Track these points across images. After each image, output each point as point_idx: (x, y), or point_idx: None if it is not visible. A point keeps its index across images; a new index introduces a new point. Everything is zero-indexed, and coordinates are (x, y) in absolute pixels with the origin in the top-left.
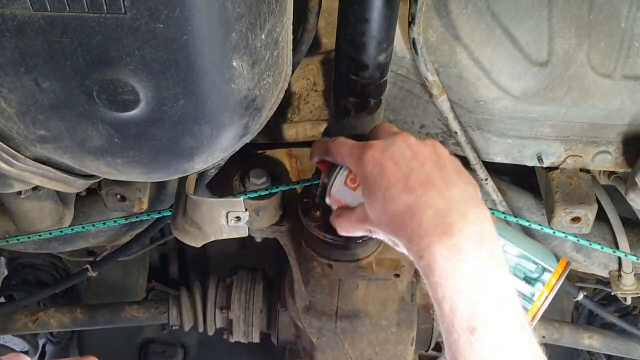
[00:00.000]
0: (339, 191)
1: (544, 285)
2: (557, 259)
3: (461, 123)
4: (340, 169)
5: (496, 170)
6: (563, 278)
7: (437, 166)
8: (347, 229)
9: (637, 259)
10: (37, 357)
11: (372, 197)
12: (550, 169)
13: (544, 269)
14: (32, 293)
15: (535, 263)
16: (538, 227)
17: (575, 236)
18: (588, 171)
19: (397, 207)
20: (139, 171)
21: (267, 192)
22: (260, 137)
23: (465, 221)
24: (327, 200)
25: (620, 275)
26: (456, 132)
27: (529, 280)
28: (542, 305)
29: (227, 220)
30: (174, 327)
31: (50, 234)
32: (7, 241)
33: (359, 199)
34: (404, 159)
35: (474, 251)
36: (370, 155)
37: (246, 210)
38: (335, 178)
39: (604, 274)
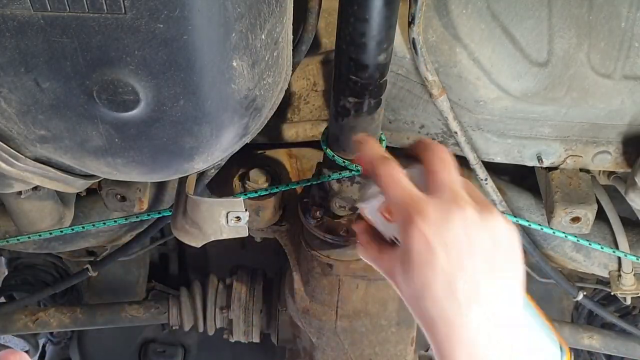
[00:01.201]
0: (370, 212)
1: None
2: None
3: (461, 123)
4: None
5: (496, 170)
6: None
7: (488, 263)
8: (367, 260)
9: (637, 259)
10: (37, 357)
11: (409, 279)
12: (550, 169)
13: None
14: (32, 293)
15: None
16: (538, 227)
17: (575, 236)
18: (588, 171)
19: (433, 310)
20: (139, 171)
21: (267, 192)
22: (260, 137)
23: (493, 348)
24: (358, 205)
25: (620, 275)
26: (456, 132)
27: None
28: None
29: (227, 220)
30: (174, 327)
31: (50, 234)
32: (7, 241)
33: (391, 233)
34: (457, 249)
35: None
36: (420, 231)
37: (246, 210)
38: (369, 197)
39: (604, 274)
